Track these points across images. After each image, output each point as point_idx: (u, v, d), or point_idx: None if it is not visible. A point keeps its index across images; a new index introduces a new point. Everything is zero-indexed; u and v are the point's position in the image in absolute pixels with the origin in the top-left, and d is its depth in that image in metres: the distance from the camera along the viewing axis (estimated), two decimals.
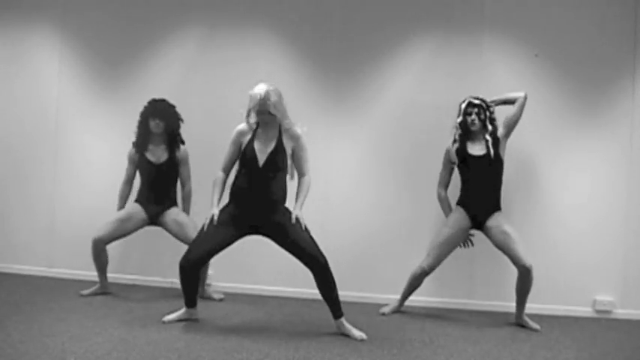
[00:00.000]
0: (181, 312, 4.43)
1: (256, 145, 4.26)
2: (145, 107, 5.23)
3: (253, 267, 5.55)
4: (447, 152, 5.00)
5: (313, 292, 5.43)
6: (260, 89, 4.19)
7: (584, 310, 5.26)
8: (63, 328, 3.99)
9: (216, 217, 4.24)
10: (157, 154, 5.23)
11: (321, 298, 4.26)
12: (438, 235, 4.88)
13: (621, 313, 5.23)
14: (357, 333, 4.18)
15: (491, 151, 4.78)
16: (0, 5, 6.16)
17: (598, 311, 5.25)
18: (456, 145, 4.90)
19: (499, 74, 5.39)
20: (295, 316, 4.74)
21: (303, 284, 5.48)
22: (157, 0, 5.88)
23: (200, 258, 4.21)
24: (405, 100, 5.52)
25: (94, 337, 3.79)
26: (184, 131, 5.41)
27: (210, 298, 5.25)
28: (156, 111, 5.16)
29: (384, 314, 4.96)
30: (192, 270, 4.22)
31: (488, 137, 4.83)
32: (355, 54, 5.59)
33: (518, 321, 4.79)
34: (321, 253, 4.18)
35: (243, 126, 4.35)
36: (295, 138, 4.34)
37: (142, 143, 5.21)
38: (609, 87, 5.30)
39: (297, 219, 4.22)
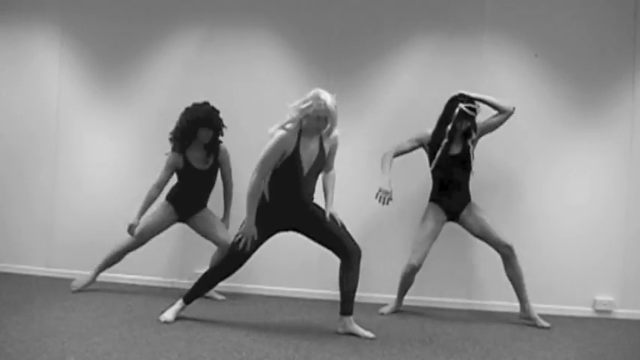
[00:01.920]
0: (179, 307, 4.42)
1: (302, 153, 4.13)
2: (194, 114, 5.06)
3: (253, 267, 5.53)
4: (425, 137, 4.95)
5: (313, 292, 5.45)
6: (326, 97, 4.01)
7: (585, 310, 5.26)
8: (63, 327, 3.99)
9: (256, 237, 4.23)
10: (201, 160, 5.19)
11: (340, 292, 4.25)
12: (421, 230, 4.87)
13: (621, 312, 5.23)
14: (365, 332, 4.19)
15: (471, 156, 4.83)
16: (0, 6, 6.17)
17: (598, 311, 5.25)
18: (440, 149, 4.85)
19: (499, 74, 5.40)
20: (295, 316, 4.74)
21: (303, 284, 5.49)
22: (157, 0, 5.88)
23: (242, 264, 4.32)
24: (405, 100, 5.52)
25: (94, 337, 3.79)
26: None
27: (212, 298, 5.25)
28: (208, 120, 5.05)
29: (382, 314, 4.96)
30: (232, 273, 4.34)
31: (470, 144, 4.83)
32: (355, 54, 5.59)
33: (526, 315, 4.80)
34: (357, 244, 4.27)
35: (285, 134, 4.06)
36: (334, 139, 4.28)
37: (185, 149, 5.14)
38: (609, 87, 5.30)
39: (331, 216, 4.28)
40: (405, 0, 5.55)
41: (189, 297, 4.40)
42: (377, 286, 5.39)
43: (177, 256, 5.66)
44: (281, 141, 4.05)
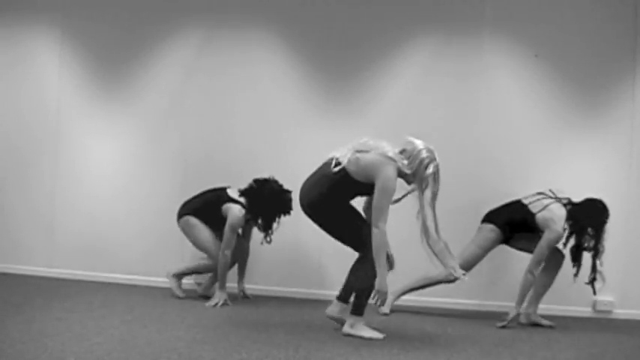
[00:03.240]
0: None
1: None
2: (286, 203, 5.08)
3: (253, 267, 5.54)
4: None
5: (313, 292, 5.44)
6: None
7: (584, 310, 5.27)
8: (63, 328, 3.99)
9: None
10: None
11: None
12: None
13: (621, 313, 5.24)
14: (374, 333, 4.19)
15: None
16: (0, 7, 6.17)
17: (598, 311, 5.25)
18: None
19: (499, 76, 5.41)
20: (295, 316, 4.74)
21: (303, 284, 5.49)
22: (157, 2, 5.88)
23: None
24: (406, 101, 5.52)
25: (94, 337, 3.79)
26: (182, 134, 5.42)
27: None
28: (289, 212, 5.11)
29: (386, 314, 4.94)
30: None
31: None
32: (355, 56, 5.60)
33: (531, 320, 4.83)
34: None
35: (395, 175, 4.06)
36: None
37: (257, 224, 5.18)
38: (609, 89, 5.30)
39: None
40: (406, 2, 5.55)
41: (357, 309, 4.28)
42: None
43: (177, 256, 5.66)
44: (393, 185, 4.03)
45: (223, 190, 5.21)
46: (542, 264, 4.71)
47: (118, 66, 5.93)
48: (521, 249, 4.93)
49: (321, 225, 4.24)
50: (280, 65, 5.69)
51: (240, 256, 5.33)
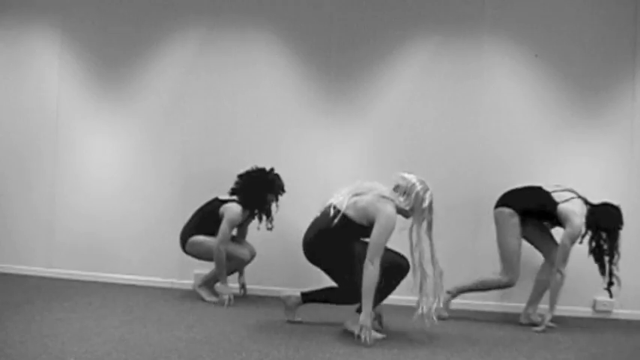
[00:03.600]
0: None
1: None
2: (273, 181, 5.21)
3: (253, 268, 5.54)
4: None
5: None
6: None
7: (584, 311, 5.27)
8: (62, 328, 3.99)
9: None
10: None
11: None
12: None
13: (621, 313, 5.24)
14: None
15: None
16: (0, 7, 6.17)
17: (598, 311, 5.25)
18: None
19: (499, 76, 5.41)
20: (295, 317, 4.74)
21: (302, 284, 5.48)
22: (157, 2, 5.88)
23: None
24: (405, 102, 5.52)
25: (94, 338, 3.79)
26: (182, 134, 5.42)
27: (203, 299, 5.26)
28: (278, 189, 5.24)
29: (444, 318, 4.84)
30: None
31: None
32: (355, 56, 5.59)
33: (532, 319, 4.83)
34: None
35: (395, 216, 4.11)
36: None
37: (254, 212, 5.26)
38: (609, 89, 5.30)
39: None
40: (406, 2, 5.55)
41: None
42: None
43: (177, 256, 5.65)
44: (394, 223, 4.08)
45: (214, 199, 5.25)
46: (568, 260, 4.65)
47: (117, 66, 5.93)
48: (524, 237, 4.88)
49: (320, 267, 4.33)
50: (280, 66, 5.69)
51: (250, 256, 5.32)
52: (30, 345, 3.56)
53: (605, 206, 4.69)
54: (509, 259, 4.75)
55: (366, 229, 4.11)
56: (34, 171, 6.04)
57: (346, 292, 4.29)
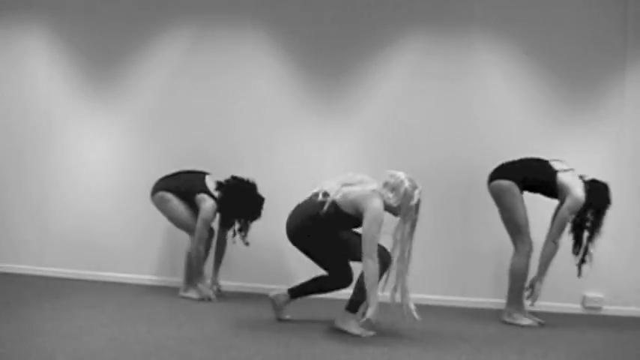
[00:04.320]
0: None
1: None
2: (257, 209, 5.17)
3: (243, 265, 5.54)
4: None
5: None
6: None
7: (574, 307, 5.30)
8: (53, 326, 3.98)
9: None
10: None
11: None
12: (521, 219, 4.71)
13: (610, 309, 5.26)
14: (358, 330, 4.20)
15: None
16: None
17: (587, 308, 5.28)
18: None
19: (489, 74, 5.42)
20: (286, 315, 4.74)
21: (293, 282, 5.48)
22: (147, 2, 5.87)
23: None
24: (396, 100, 5.53)
25: (84, 336, 3.78)
26: (172, 133, 5.42)
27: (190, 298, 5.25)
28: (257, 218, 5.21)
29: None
30: None
31: None
32: (346, 55, 5.61)
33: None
34: None
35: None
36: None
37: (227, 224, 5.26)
38: (599, 85, 5.33)
39: None
40: (396, 1, 5.55)
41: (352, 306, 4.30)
42: None
43: (168, 254, 5.65)
44: (382, 215, 4.08)
45: (202, 175, 5.23)
46: (563, 232, 4.60)
47: (107, 65, 5.92)
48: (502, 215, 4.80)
49: (306, 252, 4.34)
50: (271, 65, 5.69)
51: (219, 246, 5.34)
52: (20, 344, 3.55)
53: (598, 183, 4.64)
54: (523, 231, 4.68)
55: (354, 219, 4.15)
56: (25, 170, 6.02)
57: (333, 278, 4.35)
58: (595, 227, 4.60)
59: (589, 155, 5.31)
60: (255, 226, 5.22)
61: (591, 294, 5.27)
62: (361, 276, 4.18)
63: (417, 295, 5.35)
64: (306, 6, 5.66)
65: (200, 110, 5.73)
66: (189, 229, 5.15)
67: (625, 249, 5.27)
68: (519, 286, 4.71)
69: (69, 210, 5.93)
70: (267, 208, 5.17)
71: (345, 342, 3.95)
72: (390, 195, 4.15)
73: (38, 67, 6.04)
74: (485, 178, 5.02)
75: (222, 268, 5.39)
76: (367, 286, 4.02)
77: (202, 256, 5.09)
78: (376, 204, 4.07)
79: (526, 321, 4.67)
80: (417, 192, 4.14)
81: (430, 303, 5.37)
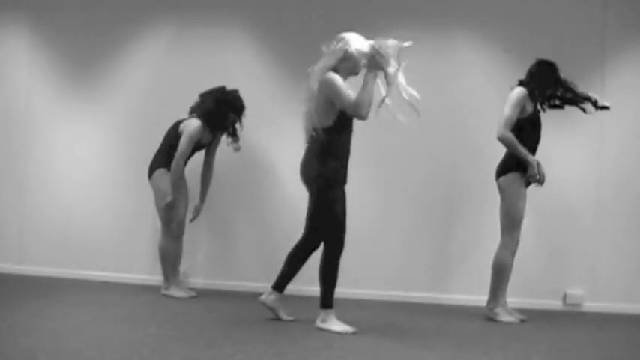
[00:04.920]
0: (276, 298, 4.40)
1: None
2: (235, 99, 5.24)
3: (230, 263, 5.54)
4: (523, 97, 4.72)
5: (288, 287, 5.43)
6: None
7: (555, 304, 5.33)
8: (34, 326, 3.95)
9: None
10: (207, 135, 5.29)
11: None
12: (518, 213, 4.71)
13: (591, 306, 5.30)
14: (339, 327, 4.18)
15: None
16: None
17: (568, 304, 5.32)
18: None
19: (470, 71, 5.44)
20: (269, 312, 4.73)
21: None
22: (126, 1, 5.85)
23: None
24: (377, 97, 5.53)
25: (66, 335, 3.76)
26: (152, 131, 5.42)
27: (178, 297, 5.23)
28: (240, 108, 5.26)
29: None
30: None
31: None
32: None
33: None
34: None
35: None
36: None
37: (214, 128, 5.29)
38: (579, 82, 5.30)
39: None
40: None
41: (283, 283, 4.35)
42: (370, 283, 5.40)
43: (150, 253, 5.63)
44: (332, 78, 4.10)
45: (174, 123, 5.30)
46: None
47: (87, 63, 5.91)
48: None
49: (312, 200, 4.28)
50: (253, 64, 5.69)
51: (204, 173, 5.40)
52: (0, 343, 3.52)
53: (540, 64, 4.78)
54: (516, 226, 4.68)
55: (342, 118, 4.22)
56: (4, 167, 5.98)
57: (306, 238, 4.32)
58: (567, 90, 4.74)
59: (570, 152, 5.35)
60: (242, 222, 5.21)
61: (572, 291, 5.31)
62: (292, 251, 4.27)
63: (399, 293, 5.39)
64: (286, 4, 5.67)
65: (180, 108, 5.68)
66: (166, 216, 5.14)
67: (605, 246, 5.31)
68: (502, 280, 4.72)
69: (49, 208, 5.90)
70: (254, 207, 5.17)
71: (327, 340, 3.95)
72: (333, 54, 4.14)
73: (17, 65, 6.00)
74: (467, 176, 5.06)
75: (205, 266, 5.38)
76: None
77: (181, 170, 5.13)
78: (331, 74, 4.08)
79: (508, 317, 4.69)
80: (354, 37, 4.15)
81: (412, 300, 5.39)
